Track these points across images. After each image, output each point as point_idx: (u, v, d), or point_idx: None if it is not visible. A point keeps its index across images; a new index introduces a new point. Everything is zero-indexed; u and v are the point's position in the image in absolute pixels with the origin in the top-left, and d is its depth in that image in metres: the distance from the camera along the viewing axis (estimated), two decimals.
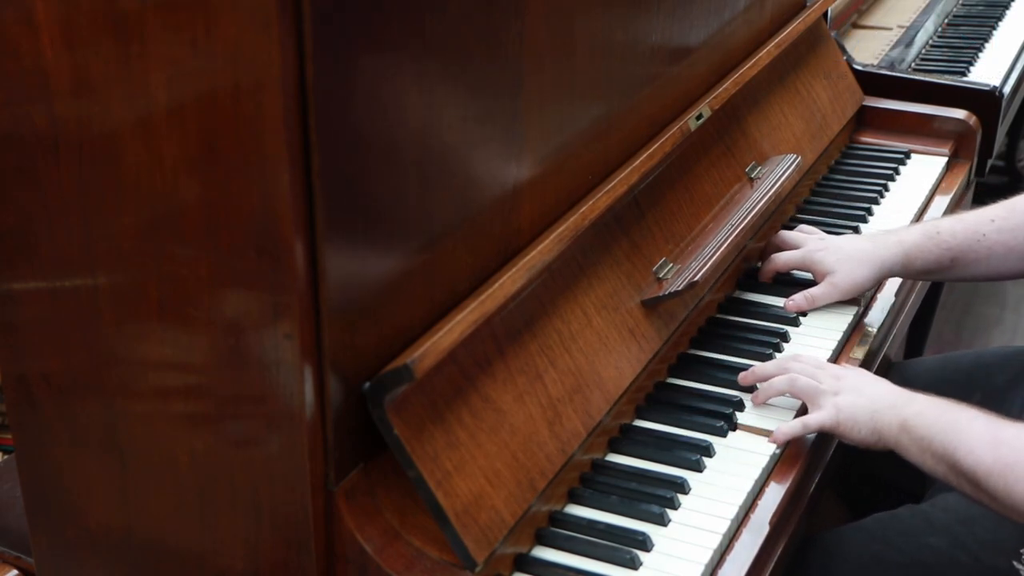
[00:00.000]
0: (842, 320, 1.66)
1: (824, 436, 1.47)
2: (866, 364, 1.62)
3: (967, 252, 1.64)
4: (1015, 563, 1.40)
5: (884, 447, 1.36)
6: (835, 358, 1.60)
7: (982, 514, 1.44)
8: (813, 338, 1.62)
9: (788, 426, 1.40)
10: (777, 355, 1.57)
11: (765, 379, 1.47)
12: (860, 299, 1.70)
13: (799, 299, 1.67)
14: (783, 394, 1.45)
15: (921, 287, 1.92)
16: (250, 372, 1.10)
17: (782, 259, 1.73)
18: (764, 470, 1.37)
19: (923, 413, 1.33)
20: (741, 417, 1.45)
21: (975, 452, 1.26)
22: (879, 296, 1.77)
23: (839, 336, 1.63)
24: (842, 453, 1.52)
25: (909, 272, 1.69)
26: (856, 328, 1.68)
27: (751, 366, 1.54)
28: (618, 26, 1.46)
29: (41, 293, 1.18)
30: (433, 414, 1.16)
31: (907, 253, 1.66)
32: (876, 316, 1.72)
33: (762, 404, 1.46)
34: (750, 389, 1.50)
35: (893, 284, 1.79)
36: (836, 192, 2.05)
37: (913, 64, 2.55)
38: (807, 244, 1.73)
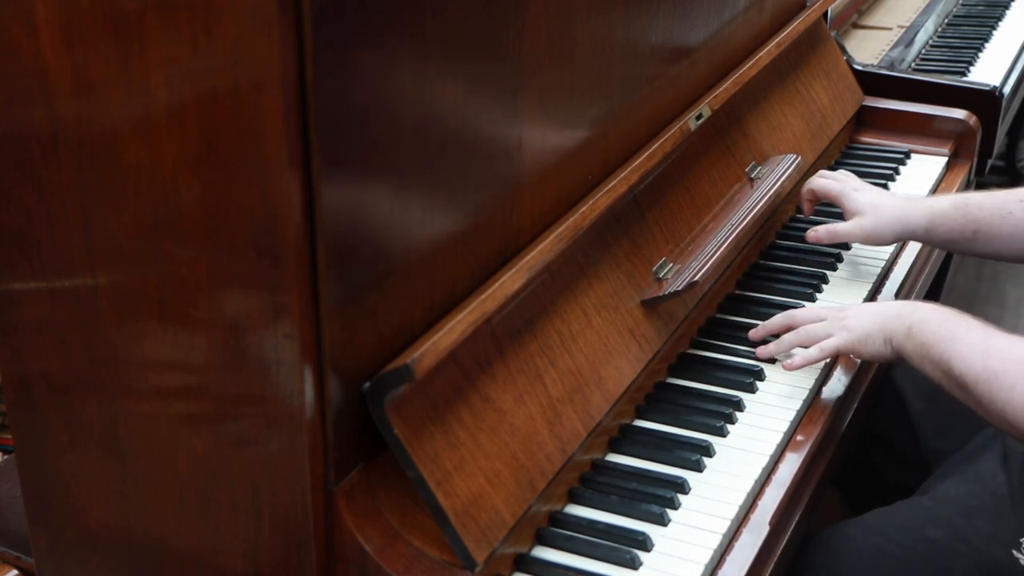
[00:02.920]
0: None
1: (824, 441, 1.47)
2: (866, 364, 1.62)
3: (991, 227, 1.67)
4: (1015, 553, 1.40)
5: (896, 355, 1.44)
6: (836, 358, 1.60)
7: (982, 506, 1.44)
8: None
9: (806, 352, 1.49)
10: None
11: (774, 332, 1.55)
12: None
13: (822, 231, 1.74)
14: (795, 346, 1.52)
15: (921, 287, 1.92)
16: (250, 372, 1.10)
17: (819, 183, 1.81)
18: (764, 470, 1.37)
19: (926, 320, 1.39)
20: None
21: (967, 359, 1.32)
22: (880, 295, 1.77)
23: None
24: (842, 450, 1.52)
25: (932, 238, 1.73)
26: None
27: (751, 366, 1.54)
28: (618, 26, 1.46)
29: (41, 293, 1.18)
30: (433, 414, 1.16)
31: (933, 219, 1.70)
32: None
33: (771, 356, 1.54)
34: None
35: (893, 284, 1.80)
36: None
37: (913, 64, 2.55)
38: (847, 181, 1.79)
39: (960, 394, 1.35)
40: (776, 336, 1.57)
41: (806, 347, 1.52)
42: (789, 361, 1.50)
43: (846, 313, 1.51)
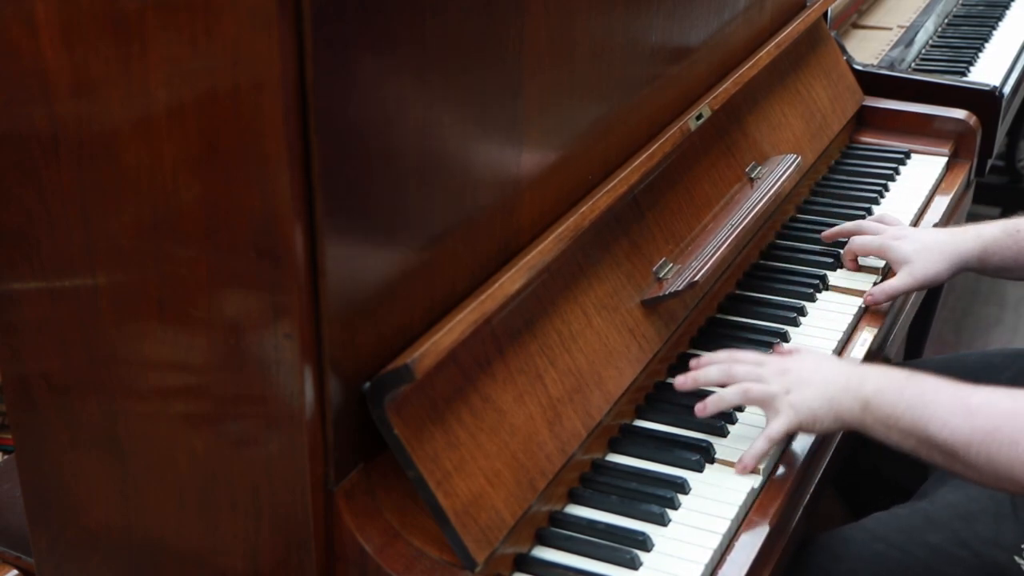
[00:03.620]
0: (842, 320, 1.66)
1: (824, 440, 1.47)
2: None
3: None
4: (1016, 558, 1.40)
5: (846, 429, 1.36)
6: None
7: (982, 510, 1.44)
8: (813, 338, 1.62)
9: (753, 448, 1.35)
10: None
11: (707, 385, 1.41)
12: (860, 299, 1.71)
13: (876, 292, 1.69)
14: (733, 406, 1.41)
15: (917, 294, 1.92)
16: (250, 372, 1.10)
17: (859, 242, 1.75)
18: (764, 470, 1.37)
19: (883, 389, 1.30)
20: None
21: (949, 424, 1.23)
22: None
23: (839, 336, 1.63)
24: (842, 451, 1.52)
25: (986, 268, 1.69)
26: (856, 328, 1.68)
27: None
28: (618, 26, 1.46)
29: (41, 293, 1.18)
30: (433, 414, 1.16)
31: (985, 248, 1.67)
32: (876, 316, 1.72)
33: (708, 415, 1.40)
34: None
35: None
36: (836, 192, 2.05)
37: (913, 64, 2.55)
38: (886, 232, 1.74)
39: (942, 459, 1.26)
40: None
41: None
42: (739, 465, 1.36)
43: (789, 378, 1.37)
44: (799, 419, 1.35)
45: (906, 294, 1.70)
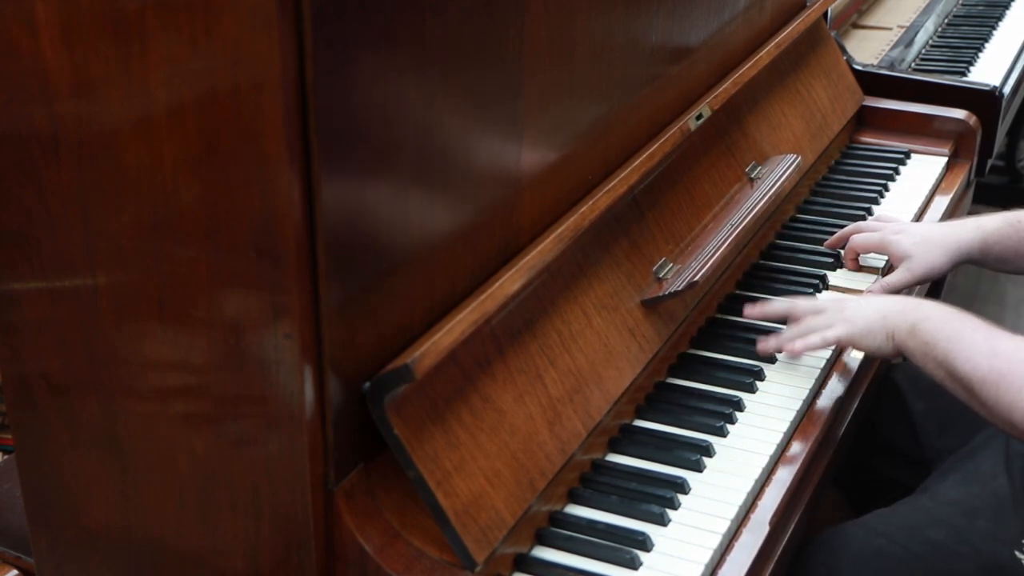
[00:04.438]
0: None
1: (825, 441, 1.47)
2: (867, 363, 1.62)
3: None
4: (1016, 553, 1.40)
5: (897, 351, 1.43)
6: (836, 358, 1.60)
7: (983, 506, 1.44)
8: None
9: (807, 339, 1.48)
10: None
11: (770, 317, 1.57)
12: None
13: (876, 288, 1.70)
14: (798, 337, 1.51)
15: (921, 287, 1.92)
16: (250, 372, 1.10)
17: (859, 240, 1.77)
18: (764, 470, 1.37)
19: (930, 318, 1.39)
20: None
21: (972, 360, 1.32)
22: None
23: None
24: (843, 450, 1.52)
25: (987, 259, 1.70)
26: None
27: (751, 366, 1.54)
28: (618, 26, 1.46)
29: (41, 293, 1.18)
30: (433, 414, 1.16)
31: (986, 239, 1.68)
32: None
33: (771, 352, 1.54)
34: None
35: None
36: (836, 192, 2.05)
37: (913, 64, 2.55)
38: (885, 228, 1.76)
39: (964, 394, 1.35)
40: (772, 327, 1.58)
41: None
42: (790, 345, 1.50)
43: (847, 305, 1.50)
44: (853, 330, 1.46)
45: (907, 288, 1.71)
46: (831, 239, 1.83)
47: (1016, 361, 1.30)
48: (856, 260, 1.80)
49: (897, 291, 1.69)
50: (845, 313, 1.48)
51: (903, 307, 1.44)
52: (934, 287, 2.20)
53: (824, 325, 1.50)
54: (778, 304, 1.57)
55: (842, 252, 1.81)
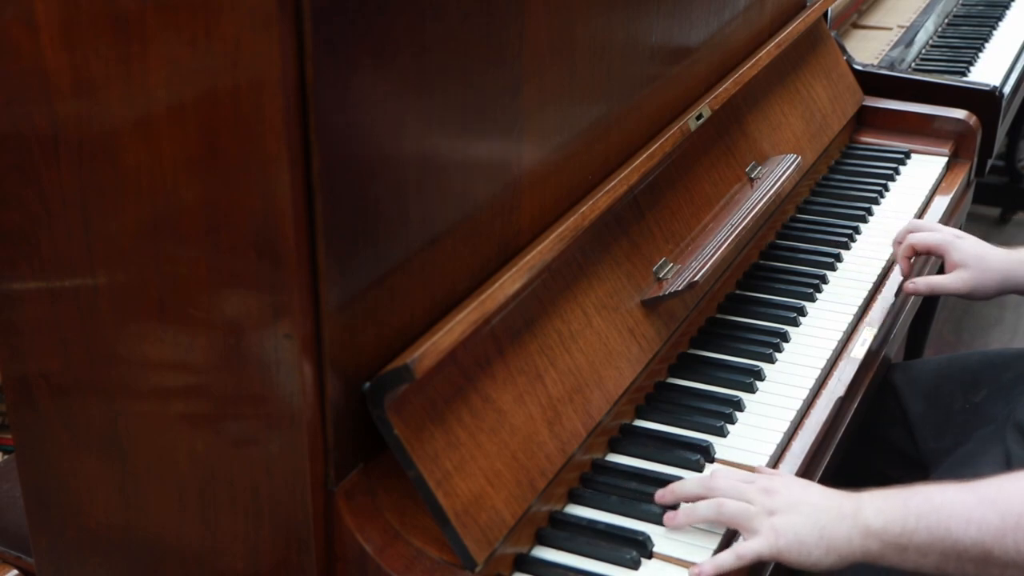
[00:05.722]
0: (841, 320, 1.66)
1: (824, 441, 1.47)
2: (866, 364, 1.62)
3: None
4: None
5: (844, 563, 1.19)
6: (835, 358, 1.60)
7: None
8: (812, 338, 1.62)
9: (718, 559, 1.20)
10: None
11: (686, 499, 1.28)
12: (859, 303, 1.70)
13: (921, 284, 1.65)
14: (707, 521, 1.25)
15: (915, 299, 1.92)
16: (250, 372, 1.10)
17: (919, 238, 1.69)
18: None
19: (884, 509, 1.17)
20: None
21: (974, 520, 1.13)
22: (879, 296, 1.77)
23: (839, 336, 1.63)
24: (842, 451, 1.52)
25: None
26: (856, 328, 1.68)
27: (751, 366, 1.54)
28: (618, 26, 1.46)
29: (41, 293, 1.18)
30: (433, 414, 1.16)
31: None
32: (876, 316, 1.72)
33: (678, 528, 1.27)
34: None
35: (893, 284, 1.80)
36: (836, 192, 2.05)
37: (913, 64, 2.55)
38: (945, 230, 1.70)
39: (977, 568, 1.14)
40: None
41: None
42: (697, 570, 1.20)
43: (775, 500, 1.22)
44: (781, 545, 1.19)
45: (949, 294, 1.65)
46: (902, 256, 1.72)
47: (1019, 497, 1.13)
48: (910, 260, 1.71)
49: (942, 293, 1.63)
50: (772, 519, 1.20)
51: (839, 509, 1.19)
52: None
53: (745, 520, 1.21)
54: (691, 486, 1.28)
55: (896, 250, 1.74)
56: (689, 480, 1.30)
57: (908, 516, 1.16)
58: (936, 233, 1.70)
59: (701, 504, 1.25)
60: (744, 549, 1.20)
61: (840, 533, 1.17)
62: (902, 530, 1.16)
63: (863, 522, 1.17)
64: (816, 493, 1.23)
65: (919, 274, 1.74)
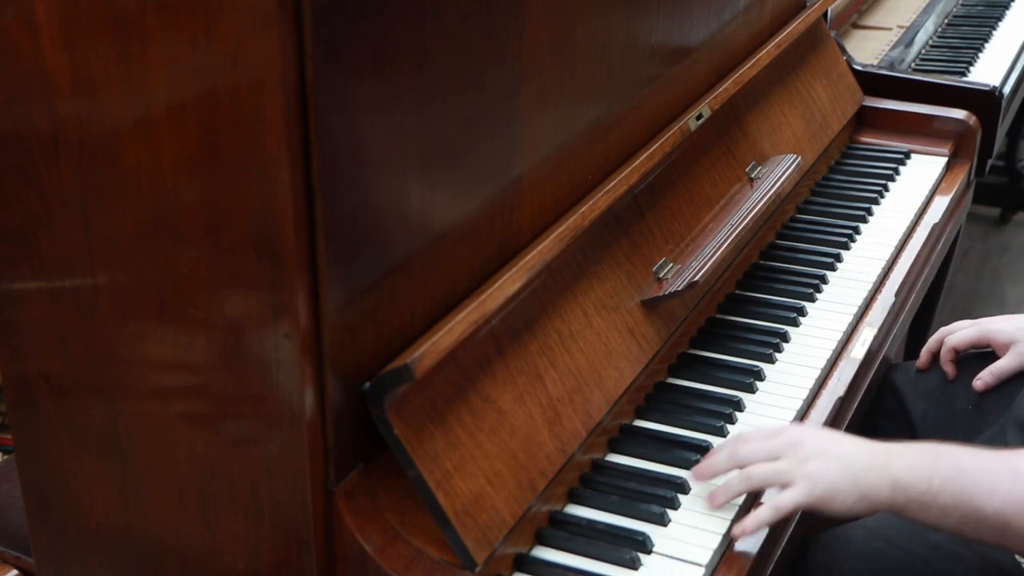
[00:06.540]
0: (841, 320, 1.67)
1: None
2: (866, 364, 1.62)
3: None
4: (1016, 557, 1.40)
5: (872, 512, 1.21)
6: (835, 358, 1.60)
7: None
8: (812, 338, 1.63)
9: (757, 514, 1.22)
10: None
11: (718, 474, 1.29)
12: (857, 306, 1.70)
13: (986, 376, 1.63)
14: (743, 494, 1.28)
15: (921, 287, 1.92)
16: (250, 372, 1.10)
17: (958, 336, 1.68)
18: None
19: (913, 466, 1.18)
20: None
21: (998, 491, 1.14)
22: (879, 296, 1.77)
23: (839, 336, 1.63)
24: None
25: None
26: (856, 328, 1.68)
27: (751, 366, 1.54)
28: (618, 26, 1.46)
29: (41, 293, 1.18)
30: (433, 414, 1.16)
31: None
32: (876, 316, 1.72)
33: (720, 507, 1.28)
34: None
35: (893, 284, 1.80)
36: (836, 192, 2.05)
37: (913, 64, 2.55)
38: (978, 321, 1.69)
39: (994, 535, 1.16)
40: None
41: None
42: (741, 528, 1.22)
43: (803, 449, 1.23)
44: (817, 492, 1.20)
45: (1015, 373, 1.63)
46: (930, 354, 1.71)
47: None
48: (954, 363, 1.69)
49: (1009, 375, 1.63)
50: (805, 468, 1.20)
51: (870, 459, 1.20)
52: (933, 288, 2.20)
53: (777, 478, 1.23)
54: (722, 456, 1.29)
55: (936, 353, 1.71)
56: (718, 454, 1.30)
57: (934, 476, 1.17)
58: (970, 328, 1.69)
59: (732, 481, 1.26)
60: (781, 501, 1.20)
61: (871, 481, 1.19)
62: (927, 488, 1.17)
63: (892, 474, 1.18)
64: (846, 440, 1.24)
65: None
